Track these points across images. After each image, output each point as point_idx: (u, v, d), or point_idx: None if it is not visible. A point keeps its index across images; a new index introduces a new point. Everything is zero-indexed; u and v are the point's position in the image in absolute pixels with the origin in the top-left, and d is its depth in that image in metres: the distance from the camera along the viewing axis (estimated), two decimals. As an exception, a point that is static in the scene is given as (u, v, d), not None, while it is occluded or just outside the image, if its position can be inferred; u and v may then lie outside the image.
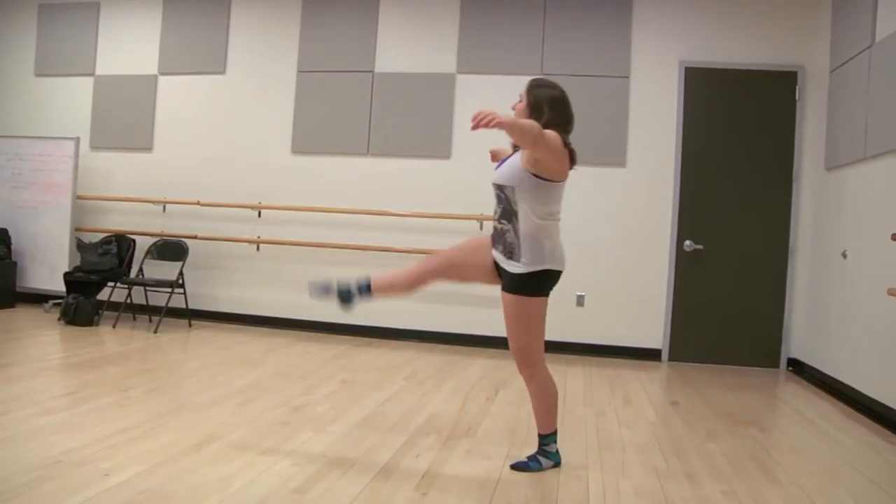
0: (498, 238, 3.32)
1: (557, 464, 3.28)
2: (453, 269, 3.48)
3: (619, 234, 6.45)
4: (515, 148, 3.29)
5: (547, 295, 3.34)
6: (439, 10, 6.83)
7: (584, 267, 6.44)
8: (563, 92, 3.25)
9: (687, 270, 6.34)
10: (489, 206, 6.48)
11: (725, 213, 6.30)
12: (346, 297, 3.42)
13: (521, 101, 3.32)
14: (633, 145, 6.45)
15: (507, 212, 3.26)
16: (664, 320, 6.38)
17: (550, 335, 6.34)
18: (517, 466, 3.23)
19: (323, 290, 3.47)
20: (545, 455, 3.27)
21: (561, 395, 4.74)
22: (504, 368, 5.62)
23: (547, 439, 3.29)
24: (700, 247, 6.32)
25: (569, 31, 6.57)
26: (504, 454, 3.42)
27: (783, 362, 6.22)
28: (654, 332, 6.40)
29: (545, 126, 3.04)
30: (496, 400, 4.57)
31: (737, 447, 3.76)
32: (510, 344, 3.34)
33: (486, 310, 6.58)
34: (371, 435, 3.62)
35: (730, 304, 6.27)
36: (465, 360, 5.94)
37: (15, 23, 8.23)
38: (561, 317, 6.47)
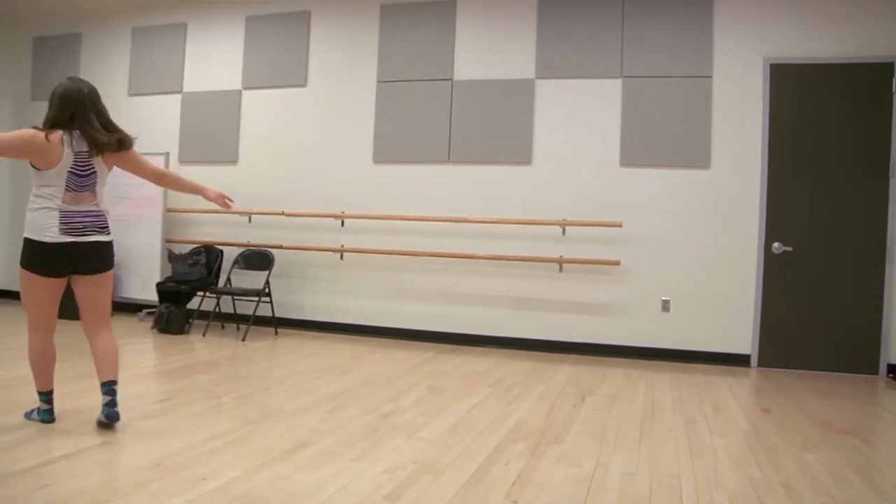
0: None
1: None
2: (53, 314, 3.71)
3: (704, 237, 6.29)
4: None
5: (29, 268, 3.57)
6: (516, 15, 6.81)
7: (669, 271, 6.32)
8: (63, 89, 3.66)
9: (776, 273, 6.15)
10: (572, 210, 6.54)
11: (816, 213, 6.07)
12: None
13: None
14: (717, 146, 6.28)
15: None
16: (753, 325, 6.19)
17: (634, 341, 6.31)
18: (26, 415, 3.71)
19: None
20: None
21: (649, 401, 4.69)
22: (590, 375, 5.55)
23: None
24: (789, 249, 6.11)
25: (648, 32, 6.45)
26: (594, 461, 3.37)
27: (882, 369, 5.95)
28: (742, 337, 6.22)
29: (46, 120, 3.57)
30: (583, 406, 4.51)
31: (836, 458, 3.61)
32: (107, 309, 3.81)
33: (570, 315, 6.53)
34: (460, 442, 3.62)
35: (823, 307, 6.05)
36: (550, 366, 5.89)
37: (111, 46, 8.59)
38: (646, 322, 6.37)
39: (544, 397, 4.75)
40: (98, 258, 3.64)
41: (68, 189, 3.54)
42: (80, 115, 3.59)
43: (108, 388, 3.61)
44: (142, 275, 7.83)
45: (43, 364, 3.66)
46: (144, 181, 7.47)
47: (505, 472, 3.17)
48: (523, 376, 5.44)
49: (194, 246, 7.52)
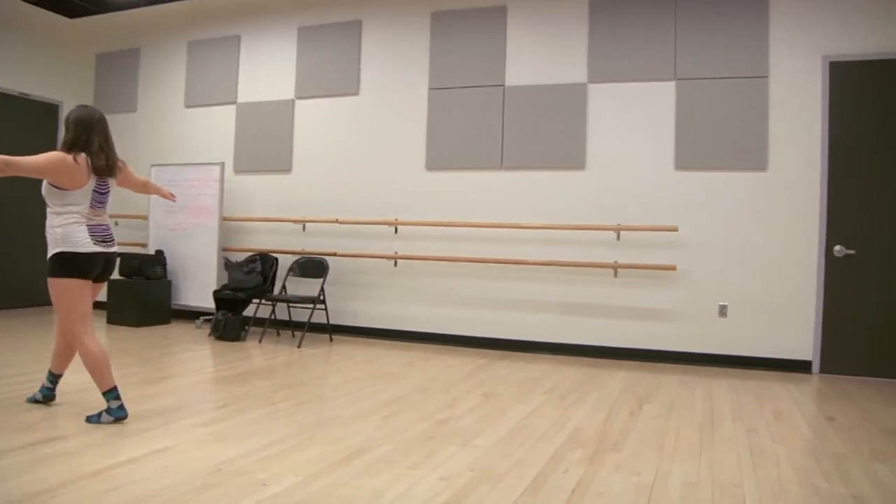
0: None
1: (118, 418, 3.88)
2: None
3: (763, 240, 6.16)
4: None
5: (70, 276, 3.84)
6: (567, 19, 6.78)
7: (726, 276, 6.21)
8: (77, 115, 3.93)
9: (838, 277, 5.99)
10: (627, 215, 6.49)
11: (881, 214, 5.90)
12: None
13: None
14: (774, 148, 6.15)
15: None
16: (814, 330, 6.04)
17: (690, 347, 6.21)
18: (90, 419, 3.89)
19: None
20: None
21: (707, 409, 4.61)
22: (646, 382, 5.49)
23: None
24: (852, 251, 5.96)
25: (702, 33, 6.35)
26: (654, 470, 3.32)
27: (953, 375, 5.77)
28: (802, 342, 6.07)
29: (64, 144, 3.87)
30: (640, 414, 4.46)
31: (908, 467, 3.50)
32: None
33: (625, 321, 6.46)
34: (517, 449, 3.60)
35: (888, 311, 5.87)
36: (605, 373, 5.83)
37: (167, 60, 8.81)
38: (702, 327, 6.27)
39: (600, 404, 4.70)
40: (113, 268, 4.09)
41: (91, 206, 3.90)
42: (93, 139, 3.90)
43: (53, 378, 4.20)
44: (199, 283, 7.98)
45: (106, 362, 3.90)
46: (202, 191, 7.70)
47: (564, 481, 3.14)
48: (578, 383, 5.40)
49: (250, 254, 7.64)
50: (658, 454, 3.60)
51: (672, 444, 3.78)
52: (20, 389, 4.51)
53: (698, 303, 6.31)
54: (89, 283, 3.91)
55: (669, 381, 5.56)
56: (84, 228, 3.83)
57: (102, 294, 8.24)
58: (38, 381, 4.70)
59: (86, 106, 4.05)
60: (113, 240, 4.03)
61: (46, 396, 4.21)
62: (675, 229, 6.28)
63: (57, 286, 3.82)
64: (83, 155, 3.83)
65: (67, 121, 3.92)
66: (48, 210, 3.85)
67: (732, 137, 6.22)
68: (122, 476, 3.00)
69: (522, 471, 3.26)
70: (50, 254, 3.82)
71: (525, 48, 6.93)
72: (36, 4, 8.88)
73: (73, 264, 3.79)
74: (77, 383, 4.76)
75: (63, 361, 4.20)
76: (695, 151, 6.34)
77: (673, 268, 6.28)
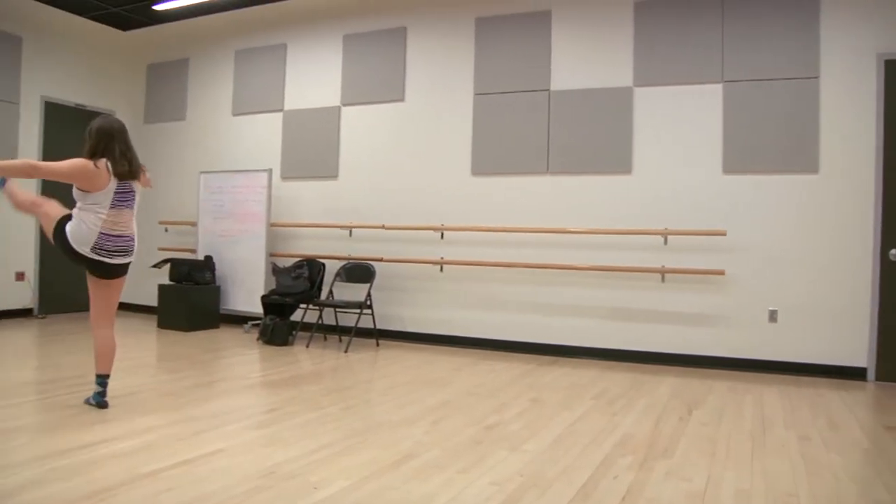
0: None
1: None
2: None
3: (814, 244, 6.04)
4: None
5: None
6: (612, 23, 6.74)
7: (776, 281, 6.10)
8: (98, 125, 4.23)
9: (894, 281, 5.85)
10: (674, 219, 6.41)
11: (938, 218, 5.76)
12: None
13: None
14: (825, 149, 6.02)
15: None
16: (869, 336, 5.89)
17: (740, 353, 6.10)
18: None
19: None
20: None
21: (758, 416, 4.55)
22: (695, 388, 5.42)
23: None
24: (909, 256, 5.82)
25: (750, 34, 6.24)
26: (705, 477, 3.28)
27: None
28: (857, 349, 5.93)
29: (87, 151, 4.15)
30: (690, 420, 4.40)
31: (972, 478, 3.40)
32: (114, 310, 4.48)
33: (673, 326, 6.39)
34: (566, 454, 3.58)
35: (947, 317, 5.72)
36: (653, 378, 5.77)
37: (215, 69, 8.97)
38: (751, 333, 6.17)
39: (649, 410, 4.65)
40: (119, 271, 4.35)
41: (112, 206, 4.18)
42: (113, 146, 4.19)
43: (102, 380, 4.31)
44: (247, 288, 8.09)
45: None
46: (250, 197, 7.81)
47: (614, 487, 3.12)
48: (626, 388, 5.35)
49: (297, 259, 7.72)
50: (709, 461, 3.55)
51: (723, 451, 3.72)
52: (78, 392, 4.62)
53: (747, 308, 6.21)
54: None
55: (719, 387, 5.48)
56: (95, 235, 4.15)
57: (153, 298, 8.42)
58: (94, 382, 4.80)
59: (107, 116, 4.36)
60: (125, 251, 4.30)
61: (100, 403, 4.31)
62: (723, 233, 6.19)
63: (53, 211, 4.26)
64: (104, 160, 4.13)
65: (90, 130, 4.20)
66: (77, 205, 4.18)
67: (782, 139, 6.11)
68: (176, 477, 3.06)
69: (572, 476, 3.24)
70: (65, 227, 4.16)
71: (570, 52, 6.91)
72: (92, 19, 9.11)
73: (67, 249, 4.17)
74: (129, 386, 4.87)
75: (100, 362, 4.35)
76: (743, 154, 6.24)
77: (721, 272, 6.19)
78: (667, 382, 5.62)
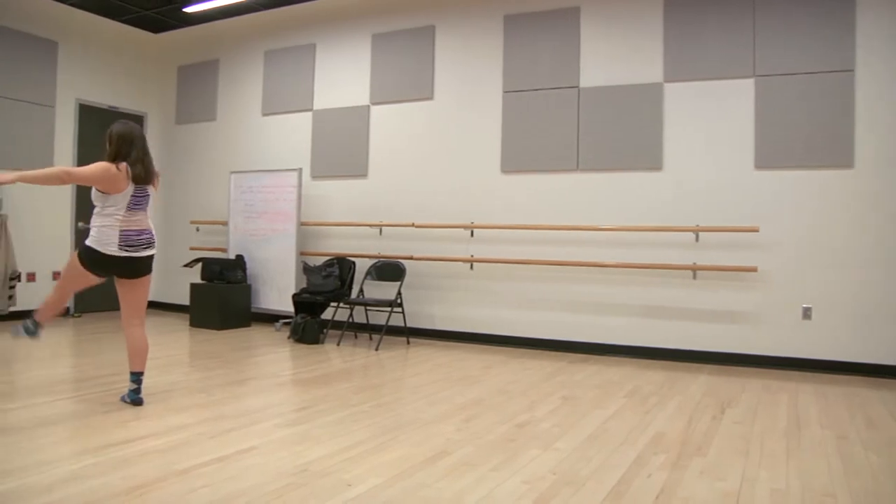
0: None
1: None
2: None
3: (849, 240, 5.94)
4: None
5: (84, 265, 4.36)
6: (642, 18, 6.69)
7: (810, 277, 6.02)
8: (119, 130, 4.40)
9: (933, 278, 5.74)
10: (706, 216, 6.36)
11: (978, 213, 5.64)
12: (30, 331, 4.51)
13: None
14: (860, 144, 5.92)
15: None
16: (906, 334, 5.81)
17: (773, 350, 6.03)
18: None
19: (15, 332, 4.54)
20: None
21: (793, 414, 4.49)
22: (728, 386, 5.36)
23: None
24: (948, 252, 5.70)
25: (782, 27, 6.15)
26: (739, 476, 3.24)
27: None
28: (894, 347, 5.83)
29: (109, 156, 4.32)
30: (723, 418, 4.36)
31: None
32: (143, 309, 4.57)
33: (705, 324, 6.33)
34: (598, 453, 3.57)
35: None
36: (685, 376, 5.73)
37: (245, 69, 9.05)
38: (786, 330, 6.09)
39: (682, 408, 4.62)
40: (145, 268, 4.46)
41: (128, 209, 4.32)
42: (131, 152, 4.36)
43: (136, 377, 4.40)
44: (278, 286, 8.15)
45: (53, 312, 4.56)
46: (280, 196, 7.87)
47: (647, 485, 3.09)
48: (658, 386, 5.31)
49: (328, 258, 7.76)
50: (743, 460, 3.51)
51: (757, 450, 3.68)
52: (114, 389, 4.68)
53: (781, 305, 6.13)
54: (95, 278, 4.38)
55: (752, 385, 5.42)
56: (117, 234, 4.28)
57: (185, 297, 8.51)
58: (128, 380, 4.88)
59: (126, 122, 4.50)
60: (148, 244, 4.43)
61: (135, 401, 4.38)
62: (755, 230, 6.12)
63: (74, 262, 4.35)
64: (124, 164, 4.29)
65: (110, 134, 4.36)
66: (94, 211, 4.32)
67: (816, 134, 6.03)
68: (210, 474, 3.09)
69: (605, 475, 3.22)
70: (85, 243, 4.32)
71: (599, 49, 6.86)
72: (124, 22, 9.23)
73: (95, 261, 4.28)
74: (163, 384, 4.93)
75: (134, 361, 4.43)
76: (776, 150, 6.16)
77: (754, 269, 6.12)
78: (699, 380, 5.58)
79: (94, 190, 4.29)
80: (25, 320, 4.52)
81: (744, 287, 6.23)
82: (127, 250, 4.29)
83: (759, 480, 3.18)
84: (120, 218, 4.29)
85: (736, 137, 6.29)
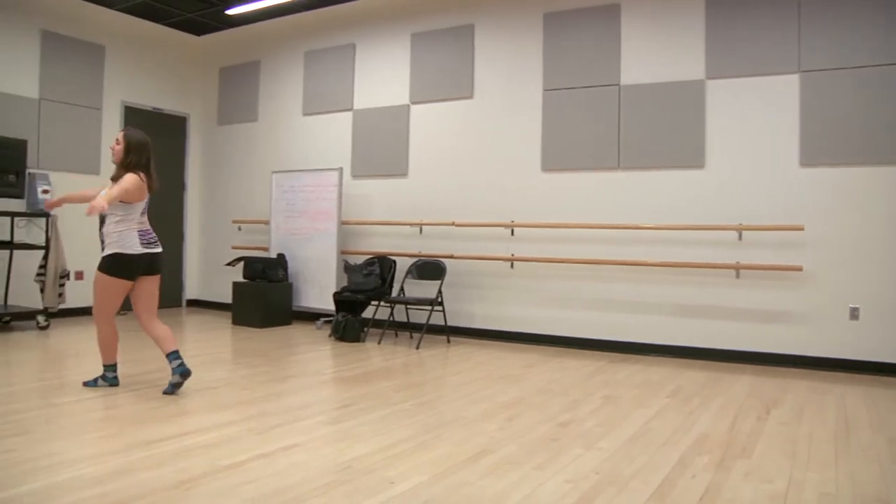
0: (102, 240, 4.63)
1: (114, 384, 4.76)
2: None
3: (899, 239, 5.83)
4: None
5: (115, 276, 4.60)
6: (683, 14, 6.61)
7: (858, 277, 5.90)
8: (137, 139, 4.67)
9: None
10: (749, 214, 6.28)
11: None
12: (108, 379, 4.81)
13: (118, 144, 4.62)
14: (912, 140, 5.80)
15: (103, 222, 4.69)
16: (959, 334, 5.66)
17: (819, 351, 5.91)
18: (87, 384, 4.74)
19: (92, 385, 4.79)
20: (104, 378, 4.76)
21: (841, 416, 4.42)
22: (773, 386, 5.29)
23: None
24: None
25: (829, 20, 6.00)
26: (786, 478, 3.20)
27: None
28: (947, 347, 5.71)
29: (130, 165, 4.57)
30: (768, 419, 4.30)
31: None
32: (157, 306, 4.80)
33: (748, 324, 6.24)
34: (642, 453, 3.54)
35: None
36: (728, 376, 5.66)
37: (286, 70, 9.14)
38: (832, 331, 5.98)
39: (725, 409, 4.56)
40: (161, 262, 4.77)
41: (142, 214, 4.64)
42: (148, 160, 4.68)
43: (175, 354, 4.63)
44: (319, 285, 8.21)
45: (114, 344, 4.76)
46: (321, 195, 7.93)
47: (692, 486, 3.07)
48: (701, 386, 5.26)
49: (368, 257, 7.81)
50: (790, 462, 3.46)
51: (805, 452, 3.62)
52: (159, 384, 4.77)
53: (827, 305, 6.02)
54: (130, 285, 4.61)
55: (797, 386, 5.34)
56: (136, 234, 4.57)
57: (227, 296, 8.63)
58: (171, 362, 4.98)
59: (137, 130, 4.76)
60: (157, 241, 4.75)
61: (176, 384, 4.64)
62: (800, 228, 6.02)
63: (104, 281, 4.56)
64: (142, 174, 4.58)
65: (129, 143, 4.60)
66: (108, 218, 4.57)
67: (863, 130, 5.90)
68: (256, 469, 3.13)
69: (649, 475, 3.20)
70: (106, 253, 4.54)
71: (640, 46, 6.80)
72: (168, 25, 9.38)
73: (124, 265, 4.53)
74: (207, 381, 5.00)
75: (166, 343, 4.68)
76: (821, 146, 6.05)
77: (799, 268, 6.02)
78: (742, 381, 5.51)
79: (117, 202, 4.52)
80: (96, 378, 4.77)
81: (789, 286, 6.13)
82: (147, 247, 4.61)
83: (807, 483, 3.13)
84: (136, 222, 4.59)
85: (780, 134, 6.19)
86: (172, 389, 4.59)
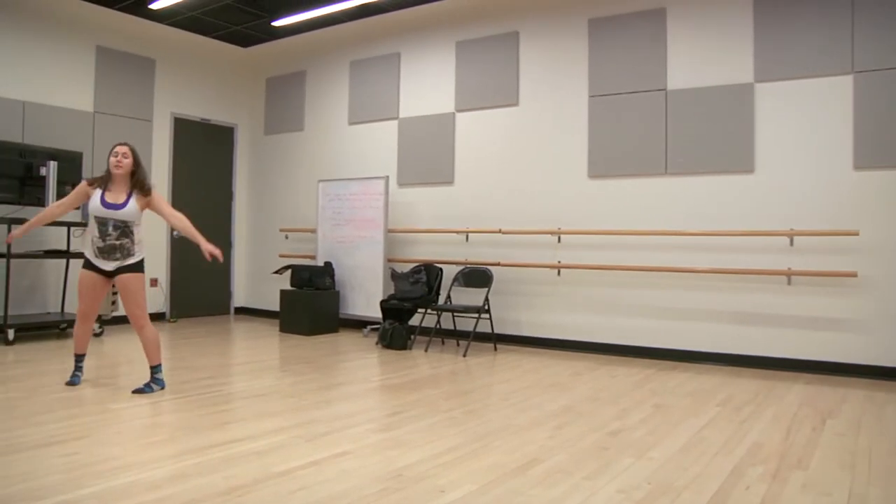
0: (112, 250, 4.89)
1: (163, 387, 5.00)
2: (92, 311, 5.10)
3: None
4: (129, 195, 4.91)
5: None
6: (730, 17, 6.51)
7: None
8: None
9: None
10: (800, 219, 6.14)
11: None
12: (159, 382, 5.02)
13: (126, 158, 4.89)
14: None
15: (123, 233, 4.87)
16: None
17: (876, 360, 5.73)
18: (137, 391, 4.87)
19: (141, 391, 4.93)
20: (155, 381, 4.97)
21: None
22: (827, 395, 5.17)
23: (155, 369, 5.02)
24: None
25: (884, 19, 5.83)
26: (846, 492, 3.11)
27: None
28: None
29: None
30: (824, 430, 4.20)
31: None
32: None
33: (801, 331, 6.11)
34: (694, 463, 3.49)
35: None
36: (781, 385, 5.55)
37: (331, 80, 9.23)
38: (889, 338, 5.81)
39: (779, 418, 4.47)
40: None
41: None
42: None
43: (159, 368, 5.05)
44: (365, 293, 8.26)
45: (156, 343, 5.08)
46: (368, 204, 7.97)
47: (746, 497, 3.01)
48: (753, 395, 5.16)
49: (415, 264, 7.83)
50: (850, 474, 3.37)
51: (864, 465, 3.53)
52: (209, 392, 4.83)
53: (884, 312, 5.87)
54: None
55: (854, 395, 5.21)
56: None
57: (275, 303, 8.72)
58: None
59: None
60: None
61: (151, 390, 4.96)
62: (855, 233, 5.88)
63: (142, 280, 4.98)
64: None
65: (137, 156, 4.96)
66: (133, 228, 4.90)
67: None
68: (307, 477, 3.15)
69: (702, 486, 3.15)
70: (139, 258, 4.96)
71: (686, 50, 6.72)
72: (215, 38, 9.55)
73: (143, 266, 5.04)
74: (256, 388, 5.05)
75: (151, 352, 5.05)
76: (876, 149, 5.90)
77: (853, 274, 5.88)
78: (795, 389, 5.39)
79: (140, 211, 4.93)
80: (148, 384, 4.95)
81: (843, 293, 6.00)
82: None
83: (869, 498, 3.04)
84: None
85: (833, 137, 6.06)
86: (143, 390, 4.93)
